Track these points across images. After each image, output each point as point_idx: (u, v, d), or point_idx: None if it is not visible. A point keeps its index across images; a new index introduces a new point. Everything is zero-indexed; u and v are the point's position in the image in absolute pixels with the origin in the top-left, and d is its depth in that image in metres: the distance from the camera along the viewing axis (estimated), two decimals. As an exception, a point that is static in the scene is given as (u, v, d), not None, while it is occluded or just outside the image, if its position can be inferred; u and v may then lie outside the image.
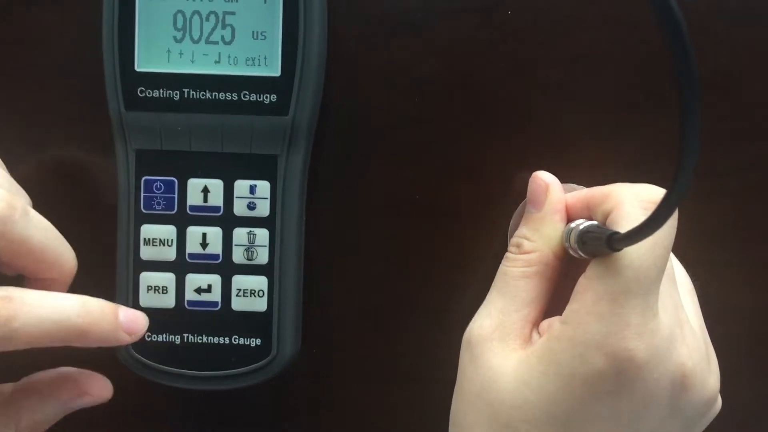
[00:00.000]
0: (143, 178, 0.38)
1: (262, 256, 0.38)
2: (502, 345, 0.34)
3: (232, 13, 0.37)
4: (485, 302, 0.36)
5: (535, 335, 0.34)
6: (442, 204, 0.41)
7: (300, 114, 0.38)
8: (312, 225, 0.40)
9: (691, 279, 0.37)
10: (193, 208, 0.38)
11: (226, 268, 0.38)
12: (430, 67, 0.41)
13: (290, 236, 0.39)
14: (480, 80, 0.40)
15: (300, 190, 0.39)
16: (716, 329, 0.36)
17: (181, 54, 0.37)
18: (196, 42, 0.37)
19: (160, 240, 0.38)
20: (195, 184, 0.38)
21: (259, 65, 0.37)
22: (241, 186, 0.38)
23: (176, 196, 0.38)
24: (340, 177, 0.41)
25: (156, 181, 0.38)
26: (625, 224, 0.32)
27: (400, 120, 0.41)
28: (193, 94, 0.37)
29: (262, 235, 0.38)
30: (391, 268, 0.42)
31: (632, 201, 0.33)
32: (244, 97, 0.37)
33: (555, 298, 0.35)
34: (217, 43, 0.37)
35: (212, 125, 0.38)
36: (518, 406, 0.32)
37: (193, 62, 0.37)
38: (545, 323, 0.34)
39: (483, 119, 0.41)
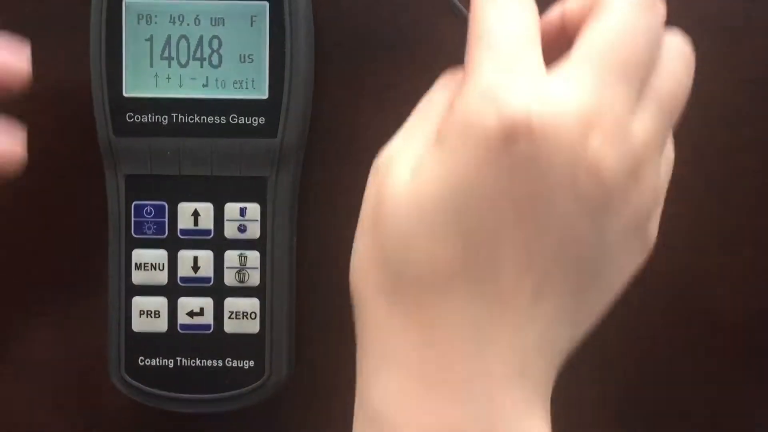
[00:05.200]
0: (133, 203, 0.38)
1: (254, 278, 0.38)
2: (406, 154, 0.29)
3: (219, 37, 0.38)
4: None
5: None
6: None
7: (289, 136, 0.38)
8: (304, 245, 0.40)
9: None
10: (184, 231, 0.38)
11: (218, 291, 0.38)
12: (420, 85, 0.41)
13: (281, 257, 0.39)
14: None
15: (290, 211, 0.39)
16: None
17: (168, 78, 0.38)
18: (184, 66, 0.38)
19: (152, 264, 0.38)
20: (185, 208, 0.38)
21: (246, 88, 0.38)
22: (232, 209, 0.38)
23: (167, 220, 0.38)
24: (330, 197, 0.41)
25: (146, 205, 0.38)
26: (602, 17, 0.28)
27: (390, 138, 0.41)
28: (181, 119, 0.37)
29: (254, 257, 0.38)
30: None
31: None
32: (233, 120, 0.37)
33: None
34: (204, 66, 0.38)
35: (201, 149, 0.38)
36: (410, 202, 0.27)
37: (181, 86, 0.38)
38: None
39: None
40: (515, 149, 0.26)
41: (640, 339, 0.42)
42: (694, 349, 0.42)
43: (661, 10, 0.29)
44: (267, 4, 0.37)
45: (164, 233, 0.38)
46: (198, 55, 0.38)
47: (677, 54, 0.29)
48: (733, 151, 0.41)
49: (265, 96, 0.37)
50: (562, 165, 0.26)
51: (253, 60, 0.37)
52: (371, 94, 0.41)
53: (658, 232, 0.30)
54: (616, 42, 0.27)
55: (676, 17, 0.30)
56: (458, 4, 0.39)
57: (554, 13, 0.31)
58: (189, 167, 0.38)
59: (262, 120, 0.37)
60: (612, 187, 0.27)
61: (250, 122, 0.37)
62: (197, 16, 0.37)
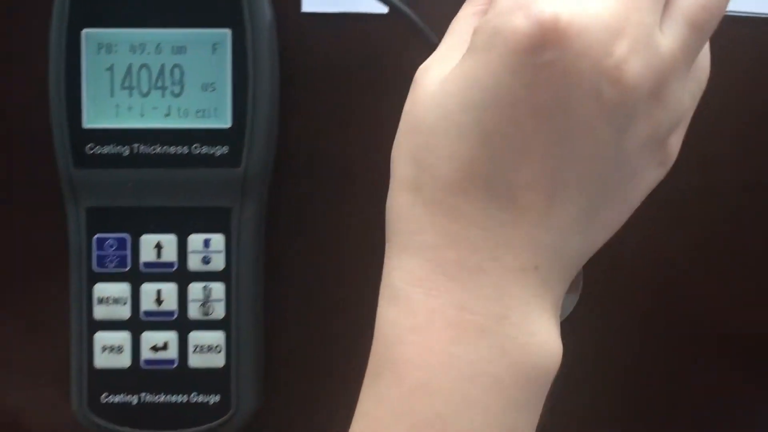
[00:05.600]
0: (95, 236, 0.37)
1: (219, 311, 0.38)
2: (441, 67, 0.29)
3: (181, 65, 0.37)
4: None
5: None
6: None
7: (252, 165, 0.37)
8: (273, 274, 0.40)
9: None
10: (147, 264, 0.37)
11: (182, 324, 0.38)
12: (385, 108, 0.40)
13: (247, 289, 0.38)
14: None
15: (256, 241, 0.38)
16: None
17: (129, 108, 0.37)
18: (145, 95, 0.37)
19: (114, 299, 0.37)
20: (148, 240, 0.37)
21: (209, 117, 0.37)
22: (195, 240, 0.38)
23: (129, 253, 0.37)
24: (299, 223, 0.41)
25: (108, 238, 0.37)
26: None
27: (358, 164, 0.40)
28: (143, 149, 0.37)
29: (218, 289, 0.38)
30: (355, 318, 0.41)
31: None
32: (195, 150, 0.37)
33: None
34: (166, 96, 0.37)
35: (163, 180, 0.37)
36: (437, 103, 0.28)
37: (142, 116, 0.37)
38: None
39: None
40: (541, 55, 0.26)
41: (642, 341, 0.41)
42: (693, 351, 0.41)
43: None
44: (229, 31, 0.36)
45: (126, 266, 0.37)
46: (159, 84, 0.37)
47: None
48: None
49: (228, 125, 0.37)
50: (586, 72, 0.26)
51: (215, 88, 0.37)
52: (338, 117, 0.40)
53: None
54: None
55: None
56: (426, 29, 0.39)
57: None
58: (151, 199, 0.37)
59: (225, 149, 0.37)
60: (635, 97, 0.27)
61: (213, 152, 0.37)
62: (158, 44, 0.37)
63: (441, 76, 0.29)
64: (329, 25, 0.40)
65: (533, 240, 0.28)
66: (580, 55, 0.26)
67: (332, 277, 0.41)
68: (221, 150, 0.37)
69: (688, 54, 0.29)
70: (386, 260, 0.30)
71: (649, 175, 0.30)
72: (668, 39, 0.28)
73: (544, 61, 0.26)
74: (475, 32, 0.28)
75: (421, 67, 0.31)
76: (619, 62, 0.26)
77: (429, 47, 0.34)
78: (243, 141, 0.37)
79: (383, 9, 0.39)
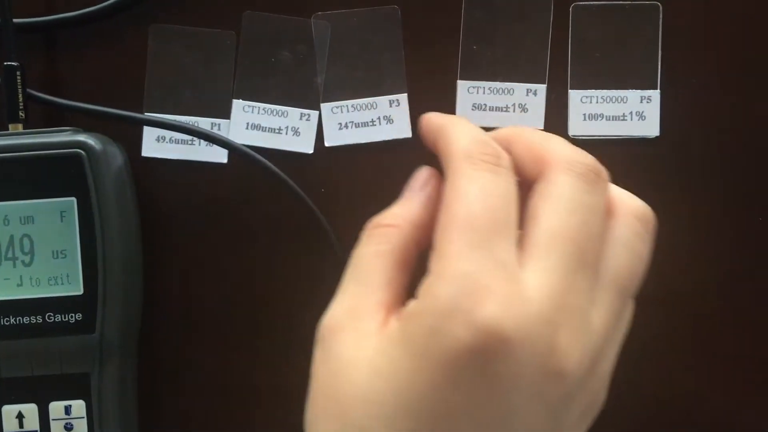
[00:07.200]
0: (-47, 412, 0.37)
1: (84, 478, 0.37)
2: (355, 333, 0.29)
3: (30, 235, 0.37)
4: (337, 293, 0.31)
5: (392, 321, 0.29)
6: (282, 383, 0.40)
7: (108, 329, 0.37)
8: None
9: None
10: (9, 436, 0.37)
11: (47, 495, 0.37)
12: (251, 248, 0.40)
13: (114, 452, 0.38)
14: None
15: (119, 404, 0.38)
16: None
17: (-19, 281, 0.37)
18: (-4, 267, 0.37)
19: (-25, 475, 0.37)
20: (9, 411, 0.37)
21: (62, 284, 0.37)
22: (56, 408, 0.37)
23: (-11, 426, 0.37)
24: (174, 376, 0.41)
25: (-34, 412, 0.37)
26: (554, 200, 0.28)
27: (229, 302, 0.41)
28: (-3, 322, 0.37)
29: (82, 455, 0.37)
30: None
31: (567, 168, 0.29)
32: (49, 318, 0.37)
33: None
34: (17, 266, 0.37)
35: (19, 351, 0.37)
36: (370, 399, 0.27)
37: (-5, 288, 0.37)
38: (403, 308, 0.29)
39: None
40: (485, 368, 0.26)
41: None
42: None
43: (605, 182, 0.29)
44: (74, 199, 0.37)
45: (-13, 440, 0.37)
46: (10, 255, 0.37)
47: (633, 221, 0.30)
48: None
49: (80, 291, 0.37)
50: (528, 376, 0.26)
51: (66, 255, 0.37)
52: (204, 259, 0.40)
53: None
54: (572, 230, 0.28)
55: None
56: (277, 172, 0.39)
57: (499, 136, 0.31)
58: (9, 370, 0.37)
59: (78, 316, 0.37)
60: (573, 382, 0.27)
61: (66, 319, 0.37)
62: (6, 216, 0.37)
63: (360, 350, 0.28)
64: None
65: None
66: (523, 362, 0.26)
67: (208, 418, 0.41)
68: (75, 317, 0.37)
69: (618, 320, 0.29)
70: None
71: (586, 424, 0.30)
72: (600, 311, 0.28)
73: (487, 373, 0.26)
74: (407, 321, 0.27)
75: (329, 320, 0.30)
76: (561, 358, 0.26)
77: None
78: (96, 307, 0.37)
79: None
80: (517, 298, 0.26)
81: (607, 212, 0.29)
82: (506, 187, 0.28)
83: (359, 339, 0.28)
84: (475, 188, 0.28)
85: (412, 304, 0.28)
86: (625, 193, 0.30)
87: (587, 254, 0.28)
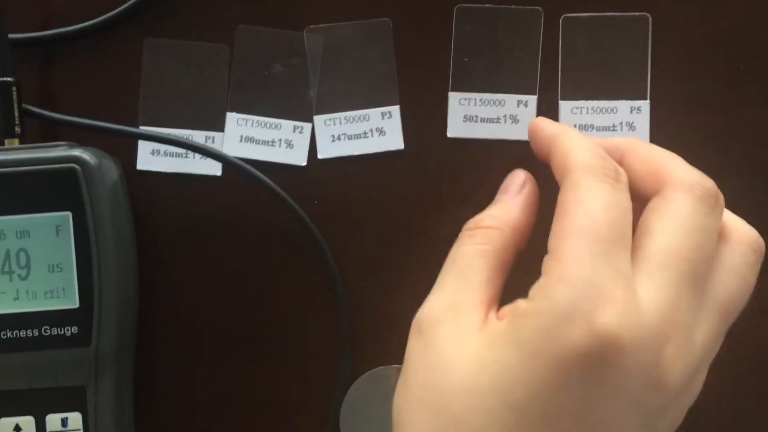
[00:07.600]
0: (-50, 425, 0.37)
1: (81, 490, 0.38)
2: (457, 327, 0.29)
3: (26, 249, 0.37)
4: (434, 287, 0.32)
5: (493, 319, 0.30)
6: (277, 394, 0.41)
7: (104, 342, 0.37)
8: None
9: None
10: (6, 448, 0.38)
11: (44, 507, 0.37)
12: (245, 259, 0.41)
13: (110, 464, 0.38)
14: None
15: (116, 416, 0.38)
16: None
17: (-22, 295, 0.37)
18: (-8, 281, 0.37)
19: (-27, 487, 0.37)
20: (6, 424, 0.37)
21: (58, 297, 0.37)
22: (53, 420, 0.38)
23: (-13, 438, 0.37)
24: (169, 391, 0.41)
25: (-36, 425, 0.37)
26: (672, 219, 0.29)
27: (223, 314, 0.41)
28: (-6, 335, 0.37)
29: (80, 468, 0.38)
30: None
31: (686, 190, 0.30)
32: (45, 332, 0.37)
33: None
34: (13, 280, 0.37)
35: (16, 364, 0.37)
36: (472, 392, 0.28)
37: (-9, 302, 0.37)
38: (507, 307, 0.30)
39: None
40: (596, 373, 0.27)
41: None
42: None
43: (722, 206, 0.30)
44: (70, 213, 0.37)
45: (-15, 452, 0.37)
46: (6, 269, 0.37)
47: (747, 249, 0.31)
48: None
49: (76, 305, 0.37)
50: (633, 384, 0.27)
51: (62, 269, 0.37)
52: (200, 272, 0.41)
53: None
54: (688, 250, 0.29)
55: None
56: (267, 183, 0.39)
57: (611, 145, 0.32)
58: (5, 382, 0.37)
59: (75, 329, 0.37)
60: (671, 395, 0.28)
61: (62, 332, 0.37)
62: (2, 230, 0.37)
63: (463, 345, 0.29)
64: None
65: None
66: (631, 370, 0.27)
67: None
68: (71, 330, 0.37)
69: (717, 342, 0.30)
70: None
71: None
72: (703, 331, 0.29)
73: (598, 378, 0.27)
74: (519, 320, 0.28)
75: (428, 314, 0.30)
76: (664, 371, 0.28)
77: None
78: (91, 320, 0.37)
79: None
80: (634, 308, 0.27)
81: (720, 236, 0.30)
82: (625, 202, 0.29)
83: (462, 333, 0.29)
84: (598, 199, 0.29)
85: (524, 304, 0.28)
86: (740, 220, 0.31)
87: (699, 275, 0.29)
